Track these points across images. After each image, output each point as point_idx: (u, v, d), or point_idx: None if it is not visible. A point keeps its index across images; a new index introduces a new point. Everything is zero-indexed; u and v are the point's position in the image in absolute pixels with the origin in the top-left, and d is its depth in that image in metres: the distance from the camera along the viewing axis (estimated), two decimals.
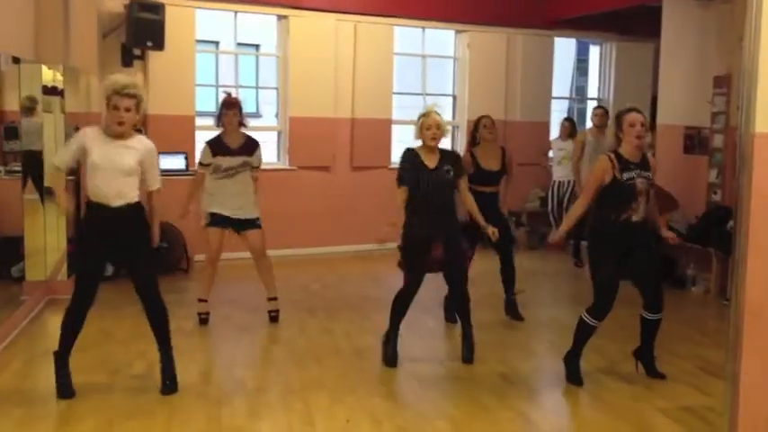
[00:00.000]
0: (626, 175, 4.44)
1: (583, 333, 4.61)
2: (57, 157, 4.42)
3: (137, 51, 7.66)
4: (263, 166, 5.96)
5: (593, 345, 4.72)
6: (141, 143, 4.26)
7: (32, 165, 6.22)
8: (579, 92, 12.26)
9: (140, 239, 4.28)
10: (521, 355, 5.27)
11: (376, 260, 7.58)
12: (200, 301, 5.89)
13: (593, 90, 11.02)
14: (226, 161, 5.67)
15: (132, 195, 4.22)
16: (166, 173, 7.32)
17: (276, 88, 8.92)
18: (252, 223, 5.77)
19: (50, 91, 6.26)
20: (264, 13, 8.69)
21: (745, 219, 3.19)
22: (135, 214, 4.24)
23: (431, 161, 4.84)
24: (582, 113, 11.15)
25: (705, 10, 7.65)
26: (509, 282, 6.07)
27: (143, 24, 7.38)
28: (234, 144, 5.71)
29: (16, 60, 5.87)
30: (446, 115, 9.42)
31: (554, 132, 9.63)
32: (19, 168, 6.44)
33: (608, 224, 4.51)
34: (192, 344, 5.30)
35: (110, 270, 6.30)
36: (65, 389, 4.23)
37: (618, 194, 4.45)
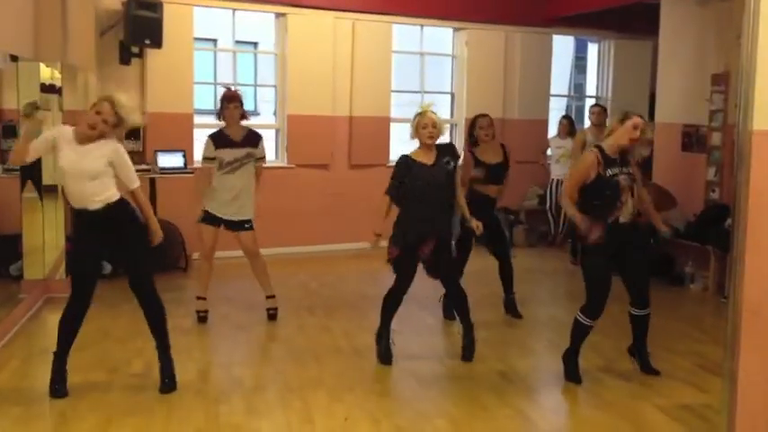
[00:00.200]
0: (610, 171, 4.42)
1: (579, 333, 4.62)
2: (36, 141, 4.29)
3: (135, 49, 7.63)
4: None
5: (589, 342, 4.72)
6: (107, 145, 4.19)
7: (31, 163, 6.19)
8: (577, 89, 12.26)
9: (130, 237, 4.26)
10: (520, 354, 5.27)
11: (374, 258, 7.51)
12: (199, 298, 5.88)
13: (591, 88, 11.02)
14: (229, 153, 5.63)
15: (109, 195, 4.19)
16: (165, 171, 7.40)
17: (274, 86, 8.91)
18: (243, 225, 5.75)
19: (48, 89, 6.25)
20: (263, 11, 8.67)
21: (744, 216, 3.19)
22: (117, 213, 4.22)
23: (428, 159, 4.84)
24: (580, 111, 11.13)
25: (703, 8, 7.65)
26: (507, 281, 6.08)
27: (141, 22, 7.35)
28: (236, 136, 5.67)
29: (14, 58, 5.86)
30: (444, 113, 9.46)
31: (552, 130, 9.62)
32: (17, 167, 6.43)
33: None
34: (190, 342, 5.31)
35: (107, 268, 6.29)
36: (58, 389, 4.22)
37: (602, 191, 4.42)
